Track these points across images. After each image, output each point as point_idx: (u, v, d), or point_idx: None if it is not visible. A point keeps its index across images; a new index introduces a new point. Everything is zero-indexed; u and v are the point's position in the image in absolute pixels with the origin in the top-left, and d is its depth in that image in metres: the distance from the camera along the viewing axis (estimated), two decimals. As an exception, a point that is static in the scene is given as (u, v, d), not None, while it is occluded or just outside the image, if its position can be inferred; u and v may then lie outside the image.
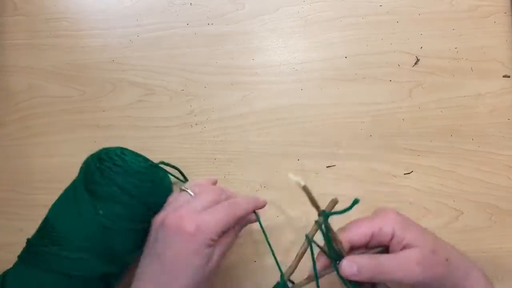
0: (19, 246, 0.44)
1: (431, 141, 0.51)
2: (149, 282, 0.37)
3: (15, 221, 0.52)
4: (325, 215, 0.33)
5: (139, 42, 0.54)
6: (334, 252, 0.35)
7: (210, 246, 0.37)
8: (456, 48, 0.52)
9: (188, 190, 0.42)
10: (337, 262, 0.35)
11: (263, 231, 0.42)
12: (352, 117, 0.52)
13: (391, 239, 0.35)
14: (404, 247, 0.35)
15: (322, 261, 0.36)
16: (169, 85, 0.53)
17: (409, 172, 0.51)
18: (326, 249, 0.35)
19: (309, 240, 0.35)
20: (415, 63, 0.52)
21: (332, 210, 0.35)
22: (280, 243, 0.51)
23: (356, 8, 0.53)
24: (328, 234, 0.34)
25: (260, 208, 0.43)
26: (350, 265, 0.34)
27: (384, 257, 0.34)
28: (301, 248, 0.36)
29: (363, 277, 0.34)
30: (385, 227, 0.35)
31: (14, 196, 0.52)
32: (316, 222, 0.34)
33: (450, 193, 0.51)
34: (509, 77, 0.52)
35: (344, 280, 0.35)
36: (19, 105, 0.54)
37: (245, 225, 0.43)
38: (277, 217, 0.51)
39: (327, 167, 0.52)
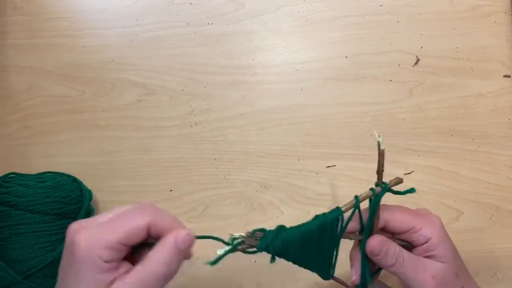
0: (19, 246, 0.44)
1: (431, 141, 0.51)
2: None
3: (15, 221, 0.52)
4: (384, 186, 0.34)
5: (139, 42, 0.54)
6: (369, 223, 0.35)
7: (101, 270, 0.28)
8: (456, 48, 0.52)
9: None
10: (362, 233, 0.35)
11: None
12: (352, 117, 0.52)
13: (424, 243, 0.35)
14: (429, 256, 0.34)
15: (352, 225, 0.36)
16: (169, 85, 0.53)
17: (410, 172, 0.51)
18: (362, 217, 0.35)
19: (357, 201, 0.35)
20: (415, 63, 0.52)
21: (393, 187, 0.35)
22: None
23: (356, 8, 0.53)
24: (374, 207, 0.34)
25: (185, 244, 0.31)
26: (380, 243, 0.34)
27: (410, 254, 0.34)
28: (346, 204, 0.35)
29: (384, 259, 0.34)
30: (426, 230, 0.35)
31: (14, 196, 0.52)
32: (372, 189, 0.35)
33: (450, 193, 0.51)
34: (509, 77, 0.52)
35: (363, 253, 0.35)
36: (19, 105, 0.54)
37: (175, 247, 0.30)
38: (277, 217, 0.51)
39: (327, 167, 0.52)
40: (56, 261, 0.43)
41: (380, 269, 0.38)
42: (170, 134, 0.53)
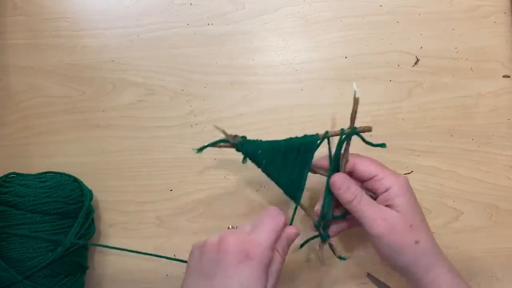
0: (19, 246, 0.44)
1: (431, 141, 0.51)
2: None
3: (15, 221, 0.52)
4: (353, 130, 0.40)
5: (139, 42, 0.54)
6: (335, 158, 0.41)
7: (266, 266, 0.35)
8: (456, 48, 0.52)
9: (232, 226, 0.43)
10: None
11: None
12: (352, 117, 0.52)
13: (384, 192, 0.39)
14: (388, 206, 0.38)
15: (323, 162, 0.42)
16: (169, 85, 0.53)
17: (409, 172, 0.51)
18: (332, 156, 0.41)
19: (326, 133, 0.40)
20: (415, 63, 0.52)
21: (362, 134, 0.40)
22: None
23: (356, 8, 0.53)
24: (340, 146, 0.40)
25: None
26: (343, 181, 0.39)
27: (369, 199, 0.39)
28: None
29: (345, 195, 0.39)
30: (387, 180, 0.39)
31: (14, 196, 0.52)
32: (342, 129, 0.40)
33: (450, 193, 0.51)
34: (509, 77, 0.52)
35: (328, 189, 0.41)
36: (19, 105, 0.54)
37: (288, 242, 0.39)
38: (277, 217, 0.51)
39: (327, 167, 0.52)
40: (56, 261, 0.43)
41: (344, 215, 0.42)
42: (170, 134, 0.53)
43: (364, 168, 0.40)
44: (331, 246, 0.44)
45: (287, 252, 0.38)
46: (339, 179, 0.39)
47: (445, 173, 0.51)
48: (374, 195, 0.40)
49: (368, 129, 0.40)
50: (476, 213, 0.51)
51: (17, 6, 0.55)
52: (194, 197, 0.52)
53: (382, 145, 0.40)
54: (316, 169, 0.42)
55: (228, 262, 0.34)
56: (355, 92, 0.39)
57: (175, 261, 0.49)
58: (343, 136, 0.40)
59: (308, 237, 0.46)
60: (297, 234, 0.39)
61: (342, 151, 0.41)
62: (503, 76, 0.52)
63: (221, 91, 0.53)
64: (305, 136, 0.41)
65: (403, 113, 0.52)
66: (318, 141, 0.41)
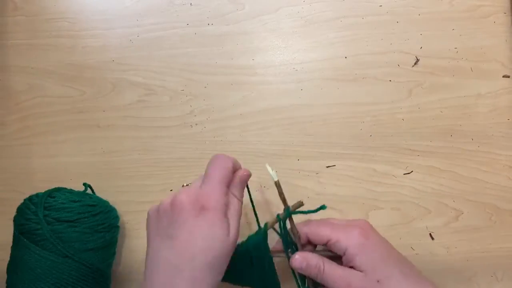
0: (19, 245, 0.44)
1: (431, 141, 0.51)
2: (161, 268, 0.35)
3: (16, 221, 0.52)
4: (287, 211, 0.39)
5: (139, 42, 0.54)
6: (288, 243, 0.40)
7: (223, 213, 0.36)
8: (456, 48, 0.52)
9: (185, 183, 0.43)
10: (289, 251, 0.40)
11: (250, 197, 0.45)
12: (352, 117, 0.52)
13: (344, 254, 0.37)
14: (352, 267, 0.37)
15: (276, 247, 0.41)
16: (169, 85, 0.53)
17: (409, 172, 0.51)
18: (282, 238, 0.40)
19: (265, 229, 0.40)
20: (415, 63, 0.52)
21: (297, 210, 0.40)
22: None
23: (356, 8, 0.53)
24: (284, 229, 0.39)
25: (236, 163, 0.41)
26: (300, 261, 0.38)
27: (331, 265, 0.38)
28: (258, 230, 0.40)
29: (308, 272, 0.38)
30: (342, 242, 0.37)
31: (14, 196, 0.52)
32: (278, 215, 0.40)
33: (450, 193, 0.51)
34: (509, 77, 0.52)
35: (292, 270, 0.40)
36: (19, 105, 0.54)
37: (242, 184, 0.41)
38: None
39: (327, 167, 0.52)
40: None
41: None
42: (170, 134, 0.53)
43: (315, 236, 0.39)
44: None
45: (243, 194, 0.40)
46: (297, 260, 0.39)
47: (445, 173, 0.51)
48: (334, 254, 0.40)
49: (300, 204, 0.40)
50: (476, 213, 0.51)
51: (17, 6, 0.55)
52: (194, 197, 0.52)
53: (323, 207, 0.39)
54: (275, 255, 0.41)
55: (185, 218, 0.35)
56: (272, 176, 0.39)
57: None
58: (281, 221, 0.39)
59: None
60: (249, 175, 0.41)
61: (289, 229, 0.40)
62: (503, 76, 0.52)
63: (221, 91, 0.53)
64: (249, 237, 0.40)
65: (403, 113, 0.52)
66: (263, 237, 0.40)
